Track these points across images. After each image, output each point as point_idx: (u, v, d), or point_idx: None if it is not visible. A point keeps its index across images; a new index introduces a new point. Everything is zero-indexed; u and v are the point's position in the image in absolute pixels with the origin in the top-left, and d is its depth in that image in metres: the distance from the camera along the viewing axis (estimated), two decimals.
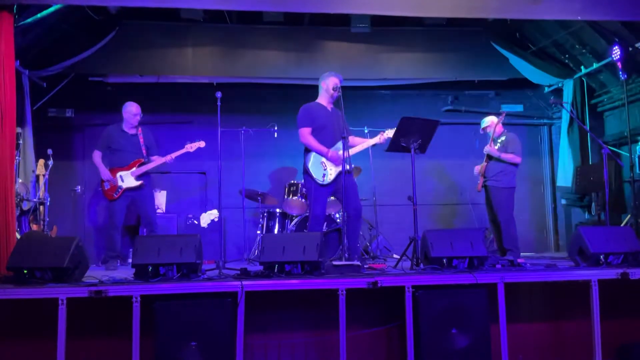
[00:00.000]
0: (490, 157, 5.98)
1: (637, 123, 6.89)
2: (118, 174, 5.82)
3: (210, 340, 3.80)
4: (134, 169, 5.85)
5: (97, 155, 5.91)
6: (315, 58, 7.30)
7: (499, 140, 5.96)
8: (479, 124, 6.27)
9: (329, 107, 5.35)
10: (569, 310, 4.43)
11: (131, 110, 5.93)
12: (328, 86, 5.28)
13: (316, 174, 5.17)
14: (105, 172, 5.81)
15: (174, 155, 5.97)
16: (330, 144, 5.20)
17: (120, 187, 5.79)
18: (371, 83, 7.96)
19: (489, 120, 6.09)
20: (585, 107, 7.54)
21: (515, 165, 5.89)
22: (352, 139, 5.49)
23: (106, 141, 5.93)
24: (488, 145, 5.93)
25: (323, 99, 5.36)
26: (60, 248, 4.03)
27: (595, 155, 7.43)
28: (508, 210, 5.88)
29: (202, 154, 6.30)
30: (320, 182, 5.16)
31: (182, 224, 7.28)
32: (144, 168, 5.89)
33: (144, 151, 5.95)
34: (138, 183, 5.84)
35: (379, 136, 5.34)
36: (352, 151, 5.35)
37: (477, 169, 6.10)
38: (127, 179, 5.83)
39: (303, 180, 5.45)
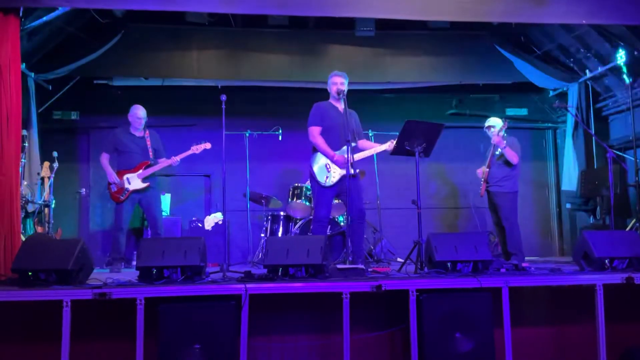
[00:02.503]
0: (496, 160, 5.96)
1: None
2: (125, 176, 5.83)
3: (213, 343, 3.79)
4: (141, 171, 5.87)
5: (104, 158, 5.93)
6: (320, 61, 7.31)
7: (502, 147, 5.92)
8: (483, 127, 6.24)
9: (340, 107, 5.34)
10: (574, 314, 4.41)
11: (136, 113, 5.96)
12: (330, 86, 5.33)
13: (319, 175, 5.18)
14: (112, 175, 5.82)
15: (179, 157, 5.98)
16: (336, 146, 5.20)
17: (127, 190, 5.81)
18: (376, 86, 7.97)
19: (493, 121, 6.04)
20: (590, 111, 7.52)
21: (512, 166, 5.86)
22: (363, 143, 5.48)
23: (113, 143, 5.95)
24: (496, 136, 5.87)
25: (332, 99, 5.39)
26: (65, 250, 4.03)
27: (600, 159, 7.41)
28: (512, 215, 5.86)
29: (206, 156, 6.32)
30: (323, 184, 5.17)
31: (186, 227, 7.30)
32: (151, 170, 5.91)
33: (150, 153, 5.97)
34: (144, 185, 5.86)
35: (388, 143, 5.31)
36: (361, 155, 5.35)
37: (480, 172, 6.08)
38: (134, 181, 5.84)
39: (309, 182, 5.46)
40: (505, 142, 5.81)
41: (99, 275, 4.56)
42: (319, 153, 5.24)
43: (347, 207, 4.98)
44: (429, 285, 4.07)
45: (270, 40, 7.31)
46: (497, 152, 5.92)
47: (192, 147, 5.98)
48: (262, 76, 7.41)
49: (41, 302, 3.78)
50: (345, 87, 5.24)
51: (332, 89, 5.30)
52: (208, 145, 6.03)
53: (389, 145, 5.25)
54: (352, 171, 4.95)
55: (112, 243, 5.90)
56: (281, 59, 7.37)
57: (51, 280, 3.95)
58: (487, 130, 6.06)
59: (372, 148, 5.42)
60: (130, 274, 4.91)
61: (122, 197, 5.80)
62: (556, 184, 8.54)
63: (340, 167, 5.14)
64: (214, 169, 7.79)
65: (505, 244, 5.92)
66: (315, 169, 5.21)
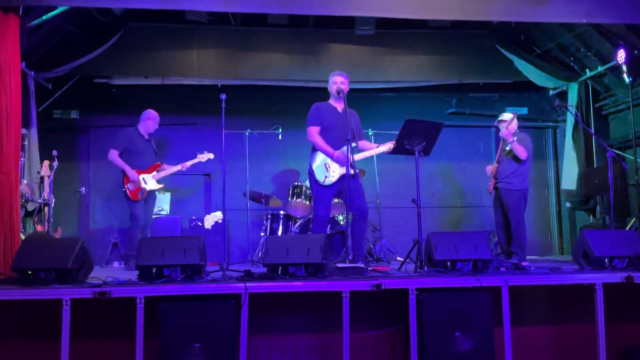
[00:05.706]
0: (504, 156, 5.93)
1: None
2: (141, 176, 5.97)
3: (213, 341, 3.79)
4: (155, 172, 6.07)
5: (116, 154, 5.99)
6: (320, 60, 7.31)
7: (510, 140, 5.89)
8: (483, 126, 6.24)
9: (339, 107, 5.33)
10: (573, 313, 4.41)
11: (156, 118, 6.18)
12: (331, 86, 5.31)
13: (318, 174, 5.17)
14: (133, 174, 5.91)
15: (189, 163, 6.25)
16: (336, 145, 5.18)
17: (144, 189, 5.95)
18: (375, 85, 7.97)
19: (506, 116, 5.99)
20: (590, 110, 7.52)
21: (521, 162, 5.83)
22: (363, 144, 5.46)
23: (126, 143, 6.04)
24: (505, 129, 5.85)
25: (332, 100, 5.37)
26: (65, 249, 4.04)
27: (600, 159, 7.41)
28: (519, 213, 5.82)
29: None
30: (322, 183, 5.16)
31: (186, 226, 7.29)
32: (164, 173, 6.14)
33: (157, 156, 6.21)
34: (160, 186, 6.10)
35: (388, 144, 5.29)
36: (360, 156, 5.35)
37: (489, 169, 6.05)
38: (150, 182, 6.02)
39: (308, 181, 5.46)
40: (515, 137, 5.79)
41: (99, 274, 4.56)
42: (318, 152, 5.23)
43: (347, 206, 4.97)
44: (428, 284, 4.07)
45: (270, 39, 7.31)
46: (507, 148, 5.90)
47: (198, 155, 6.27)
48: (262, 75, 7.41)
49: (41, 301, 3.77)
50: (346, 87, 5.23)
51: (332, 88, 5.28)
52: (211, 156, 6.33)
53: (389, 146, 5.24)
54: (351, 171, 4.94)
55: (130, 241, 5.97)
56: (281, 58, 7.37)
57: (51, 279, 3.95)
58: (499, 125, 6.03)
59: (372, 149, 5.41)
60: (129, 272, 4.91)
61: (140, 196, 5.94)
62: (556, 183, 8.54)
63: (341, 165, 5.13)
64: (214, 168, 7.78)
65: (507, 243, 5.90)
66: (315, 168, 5.20)
